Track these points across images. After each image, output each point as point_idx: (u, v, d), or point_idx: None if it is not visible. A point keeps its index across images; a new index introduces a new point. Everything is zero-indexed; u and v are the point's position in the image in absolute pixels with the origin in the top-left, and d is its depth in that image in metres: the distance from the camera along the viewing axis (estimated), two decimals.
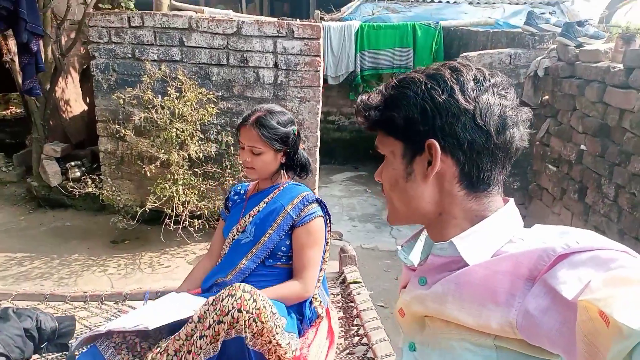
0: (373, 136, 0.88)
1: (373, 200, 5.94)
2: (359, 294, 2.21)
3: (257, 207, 1.85)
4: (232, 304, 1.44)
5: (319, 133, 4.17)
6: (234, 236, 1.86)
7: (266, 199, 1.85)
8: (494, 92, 0.77)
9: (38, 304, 2.22)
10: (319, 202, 1.83)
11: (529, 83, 3.83)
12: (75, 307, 2.25)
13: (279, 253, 1.79)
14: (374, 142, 0.88)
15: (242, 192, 1.99)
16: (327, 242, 1.89)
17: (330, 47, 6.28)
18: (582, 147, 3.35)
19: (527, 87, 3.85)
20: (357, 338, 1.96)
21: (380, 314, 2.81)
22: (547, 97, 3.81)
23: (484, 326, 0.70)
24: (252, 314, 1.45)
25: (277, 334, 1.51)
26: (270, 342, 1.49)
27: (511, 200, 0.81)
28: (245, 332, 1.45)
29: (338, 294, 2.31)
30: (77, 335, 1.99)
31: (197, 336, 1.46)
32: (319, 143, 4.21)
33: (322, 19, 7.01)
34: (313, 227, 1.76)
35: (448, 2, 7.07)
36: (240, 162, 1.88)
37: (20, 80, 4.16)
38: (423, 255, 0.91)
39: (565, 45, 3.51)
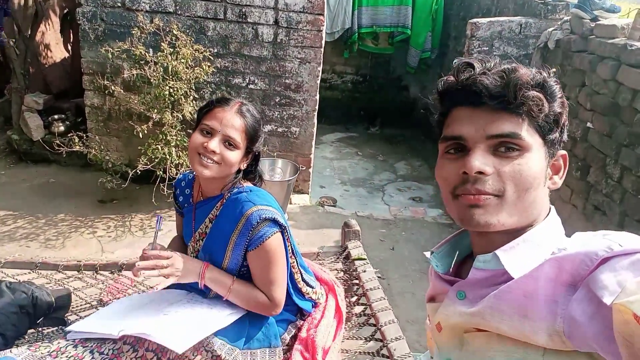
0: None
1: (364, 163, 5.88)
2: (364, 271, 2.14)
3: (204, 225, 1.61)
4: None
5: (318, 96, 4.01)
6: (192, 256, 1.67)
7: (211, 215, 1.59)
8: None
9: (29, 272, 2.13)
10: (268, 220, 1.49)
11: (538, 54, 3.72)
12: (69, 277, 2.17)
13: (244, 271, 1.60)
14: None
15: (187, 192, 1.71)
16: (291, 250, 1.64)
17: (327, 1, 6.01)
18: (589, 124, 3.29)
19: (536, 59, 3.74)
20: (363, 318, 1.92)
21: None
22: (555, 70, 3.71)
23: (529, 338, 0.67)
24: None
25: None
26: None
27: (552, 208, 0.78)
28: None
29: (342, 270, 2.25)
30: (73, 309, 1.93)
31: None
32: (317, 107, 4.06)
33: None
34: (268, 247, 1.50)
35: None
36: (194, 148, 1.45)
37: None
38: (452, 260, 0.87)
39: (580, 18, 3.37)
